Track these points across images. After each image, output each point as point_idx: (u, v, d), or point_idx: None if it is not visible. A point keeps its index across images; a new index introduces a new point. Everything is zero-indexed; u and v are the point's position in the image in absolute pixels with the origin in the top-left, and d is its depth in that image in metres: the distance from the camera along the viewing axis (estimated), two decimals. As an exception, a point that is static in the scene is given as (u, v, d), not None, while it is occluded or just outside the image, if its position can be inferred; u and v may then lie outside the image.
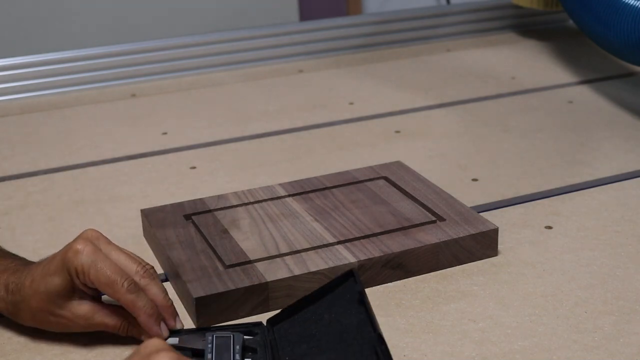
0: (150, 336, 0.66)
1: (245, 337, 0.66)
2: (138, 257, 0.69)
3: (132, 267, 0.67)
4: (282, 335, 0.66)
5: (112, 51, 1.36)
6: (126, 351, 0.67)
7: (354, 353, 0.59)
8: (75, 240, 0.67)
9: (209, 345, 0.64)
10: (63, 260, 0.66)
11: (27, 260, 0.73)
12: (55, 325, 0.68)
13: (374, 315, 0.60)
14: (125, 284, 0.65)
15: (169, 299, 0.68)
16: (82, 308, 0.67)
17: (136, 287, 0.66)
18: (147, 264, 0.69)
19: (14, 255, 0.74)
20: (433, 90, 1.30)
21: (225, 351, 0.64)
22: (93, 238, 0.67)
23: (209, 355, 0.63)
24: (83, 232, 0.68)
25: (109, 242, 0.68)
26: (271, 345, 0.66)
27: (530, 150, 1.07)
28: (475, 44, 1.54)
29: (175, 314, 0.68)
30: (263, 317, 0.71)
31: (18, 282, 0.68)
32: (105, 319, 0.67)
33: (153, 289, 0.67)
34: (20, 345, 0.69)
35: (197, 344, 0.66)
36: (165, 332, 0.67)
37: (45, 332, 0.69)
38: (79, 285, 0.66)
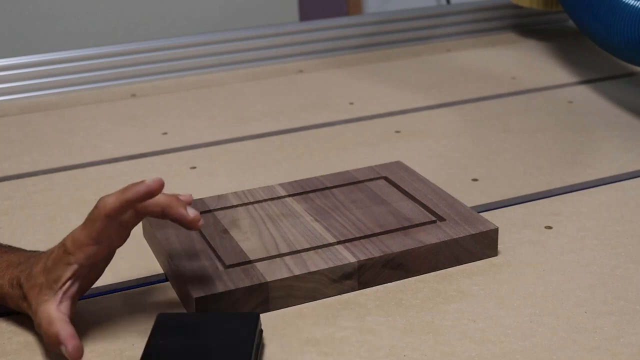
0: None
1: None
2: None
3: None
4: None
5: (112, 51, 1.36)
6: (126, 351, 0.68)
7: None
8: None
9: None
10: (97, 221, 0.65)
11: (25, 250, 0.74)
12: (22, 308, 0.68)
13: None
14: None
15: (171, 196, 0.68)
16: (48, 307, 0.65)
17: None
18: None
19: (11, 247, 0.75)
20: (433, 90, 1.30)
21: None
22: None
23: None
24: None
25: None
26: None
27: (530, 150, 1.07)
28: (475, 44, 1.54)
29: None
30: (263, 317, 0.71)
31: (24, 272, 0.68)
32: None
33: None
34: (20, 346, 0.69)
35: None
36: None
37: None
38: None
